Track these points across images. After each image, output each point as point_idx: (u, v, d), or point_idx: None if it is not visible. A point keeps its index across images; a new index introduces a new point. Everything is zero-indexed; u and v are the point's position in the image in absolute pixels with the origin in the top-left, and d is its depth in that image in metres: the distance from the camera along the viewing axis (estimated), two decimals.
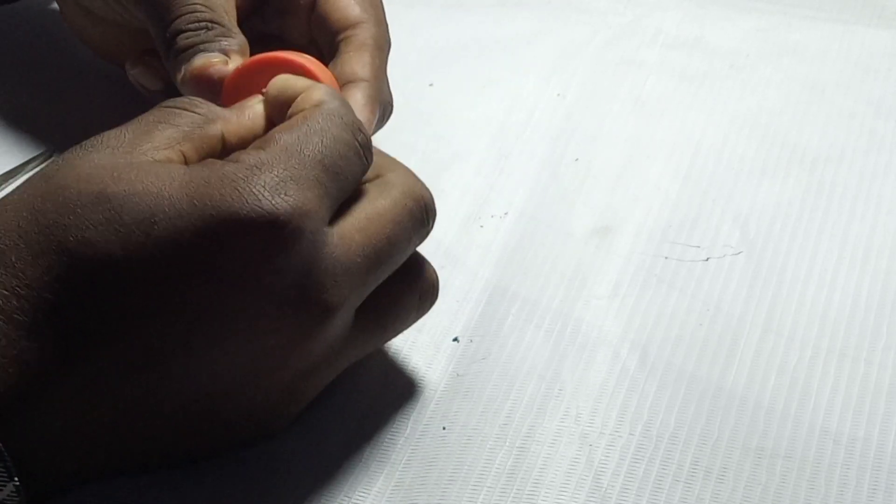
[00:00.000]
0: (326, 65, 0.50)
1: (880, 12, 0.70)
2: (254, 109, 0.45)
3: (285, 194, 0.40)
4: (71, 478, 0.42)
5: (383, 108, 0.54)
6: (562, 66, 0.66)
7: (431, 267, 0.47)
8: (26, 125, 0.61)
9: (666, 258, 0.54)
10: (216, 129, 0.44)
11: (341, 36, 0.52)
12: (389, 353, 0.49)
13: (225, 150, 0.44)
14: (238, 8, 0.53)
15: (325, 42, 0.53)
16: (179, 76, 0.50)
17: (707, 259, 0.54)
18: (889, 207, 0.57)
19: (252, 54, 0.50)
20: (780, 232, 0.55)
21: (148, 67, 0.55)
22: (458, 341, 0.50)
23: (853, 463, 0.45)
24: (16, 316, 0.39)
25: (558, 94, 0.64)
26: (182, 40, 0.50)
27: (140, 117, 0.43)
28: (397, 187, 0.44)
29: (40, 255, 0.39)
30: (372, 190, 0.44)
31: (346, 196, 0.43)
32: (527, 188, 0.58)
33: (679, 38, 0.68)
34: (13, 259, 0.39)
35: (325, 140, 0.42)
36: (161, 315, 0.39)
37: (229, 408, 0.43)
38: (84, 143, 0.42)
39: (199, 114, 0.44)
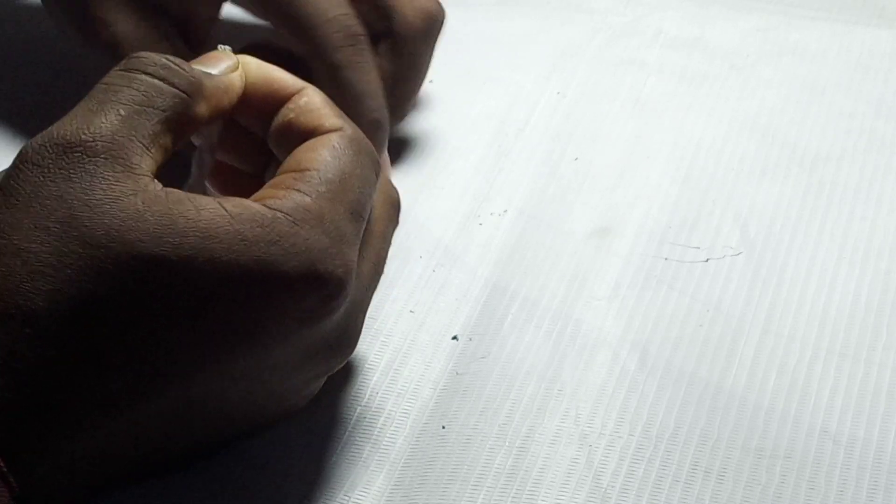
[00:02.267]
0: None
1: (880, 12, 0.70)
2: (231, 80, 0.44)
3: (337, 259, 0.41)
4: (82, 492, 0.42)
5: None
6: (562, 65, 0.66)
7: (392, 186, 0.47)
8: (26, 125, 0.61)
9: (666, 259, 0.54)
10: (201, 111, 0.42)
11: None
12: (389, 352, 0.49)
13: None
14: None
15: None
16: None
17: (707, 259, 0.54)
18: (889, 207, 0.57)
19: None
20: (780, 232, 0.55)
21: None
22: (457, 340, 0.50)
23: (853, 463, 0.45)
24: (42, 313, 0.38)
25: (558, 93, 0.64)
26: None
27: (96, 94, 0.42)
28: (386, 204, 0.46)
29: (78, 256, 0.38)
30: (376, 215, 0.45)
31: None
32: (526, 186, 0.58)
33: (679, 38, 0.68)
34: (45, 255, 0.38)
35: (358, 184, 0.43)
36: (180, 326, 0.39)
37: (239, 408, 0.43)
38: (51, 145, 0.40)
39: (173, 84, 0.42)
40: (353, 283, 0.42)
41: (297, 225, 0.40)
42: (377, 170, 0.44)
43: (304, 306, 0.40)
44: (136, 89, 0.41)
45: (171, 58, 0.42)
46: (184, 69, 0.42)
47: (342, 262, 0.41)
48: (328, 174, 0.42)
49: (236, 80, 0.44)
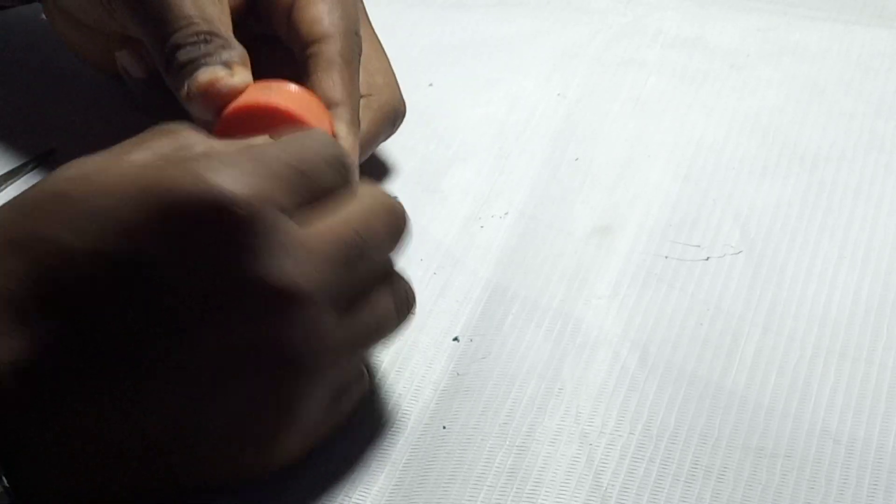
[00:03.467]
0: (302, 79, 0.51)
1: (880, 12, 0.70)
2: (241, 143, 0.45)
3: (241, 181, 0.40)
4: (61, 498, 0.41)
5: (394, 115, 0.55)
6: (562, 66, 0.66)
7: (406, 282, 0.46)
8: (26, 126, 0.61)
9: (666, 257, 0.54)
10: (198, 151, 0.43)
11: (308, 51, 0.52)
12: (390, 353, 0.49)
13: None
14: (233, 10, 0.53)
15: (296, 52, 0.53)
16: (183, 92, 0.50)
17: (707, 258, 0.54)
18: (889, 207, 0.57)
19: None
20: (780, 231, 0.55)
21: (133, 52, 0.55)
22: (458, 341, 0.50)
23: (853, 462, 0.45)
24: None
25: (559, 94, 0.64)
26: (182, 55, 0.50)
27: (126, 140, 0.43)
28: (370, 196, 0.45)
29: (16, 257, 0.39)
30: (346, 198, 0.44)
31: (324, 200, 0.43)
32: (527, 188, 0.58)
33: (679, 38, 0.68)
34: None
35: (295, 147, 0.43)
36: (123, 306, 0.39)
37: (215, 419, 0.41)
38: (69, 162, 0.42)
39: (183, 137, 0.43)
40: (275, 216, 0.40)
41: (206, 157, 0.41)
42: (336, 151, 0.44)
43: (206, 227, 0.39)
44: None
45: None
46: None
47: (250, 185, 0.40)
48: (261, 144, 0.43)
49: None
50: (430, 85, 0.64)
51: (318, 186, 0.42)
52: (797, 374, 0.49)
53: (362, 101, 0.53)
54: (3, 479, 0.38)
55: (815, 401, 0.48)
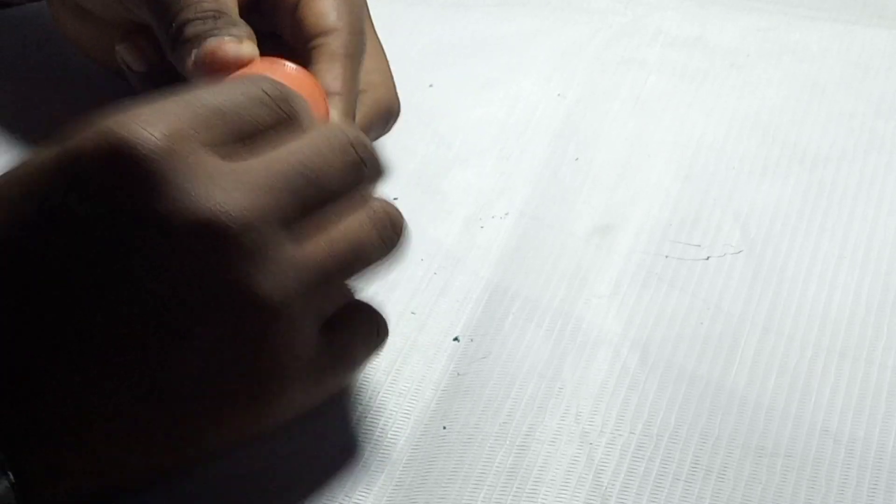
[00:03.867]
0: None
1: (880, 12, 0.70)
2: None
3: (155, 123, 0.40)
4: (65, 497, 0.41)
5: (388, 113, 0.55)
6: (562, 66, 0.66)
7: (390, 205, 0.45)
8: (26, 125, 0.61)
9: (666, 257, 0.54)
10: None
11: (313, 43, 0.52)
12: (390, 353, 0.49)
13: None
14: (238, 5, 0.53)
15: (300, 46, 0.53)
16: (189, 61, 0.49)
17: (707, 258, 0.54)
18: (889, 207, 0.57)
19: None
20: (780, 231, 0.55)
21: (134, 45, 0.55)
22: (458, 341, 0.50)
23: (853, 462, 0.45)
24: None
25: (559, 94, 0.64)
26: (189, 29, 0.49)
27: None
28: (323, 132, 0.44)
29: None
30: (290, 136, 0.44)
31: (249, 138, 0.42)
32: (527, 188, 0.58)
33: (679, 38, 0.68)
34: None
35: (223, 89, 0.42)
36: (85, 297, 0.39)
37: (197, 413, 0.41)
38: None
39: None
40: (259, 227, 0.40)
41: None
42: (353, 146, 0.44)
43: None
44: None
45: None
46: None
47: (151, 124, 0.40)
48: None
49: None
50: (431, 86, 0.64)
51: (245, 123, 0.42)
52: (797, 374, 0.49)
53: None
54: (10, 474, 0.38)
55: (815, 401, 0.48)
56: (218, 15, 0.50)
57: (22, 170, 0.41)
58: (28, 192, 0.40)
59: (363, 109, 0.54)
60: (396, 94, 0.56)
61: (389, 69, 0.56)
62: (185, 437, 0.41)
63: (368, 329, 0.45)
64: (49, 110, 0.62)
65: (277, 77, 0.48)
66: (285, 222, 0.41)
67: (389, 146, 0.59)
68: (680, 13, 0.70)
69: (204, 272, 0.39)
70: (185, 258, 0.39)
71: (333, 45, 0.52)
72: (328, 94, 0.50)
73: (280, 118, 0.43)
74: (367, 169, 0.44)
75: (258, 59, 0.50)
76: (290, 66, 0.49)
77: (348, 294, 0.45)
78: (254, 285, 0.40)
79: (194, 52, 0.49)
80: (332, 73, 0.51)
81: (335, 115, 0.50)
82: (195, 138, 0.40)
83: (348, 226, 0.43)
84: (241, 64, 0.49)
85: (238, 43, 0.49)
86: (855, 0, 0.71)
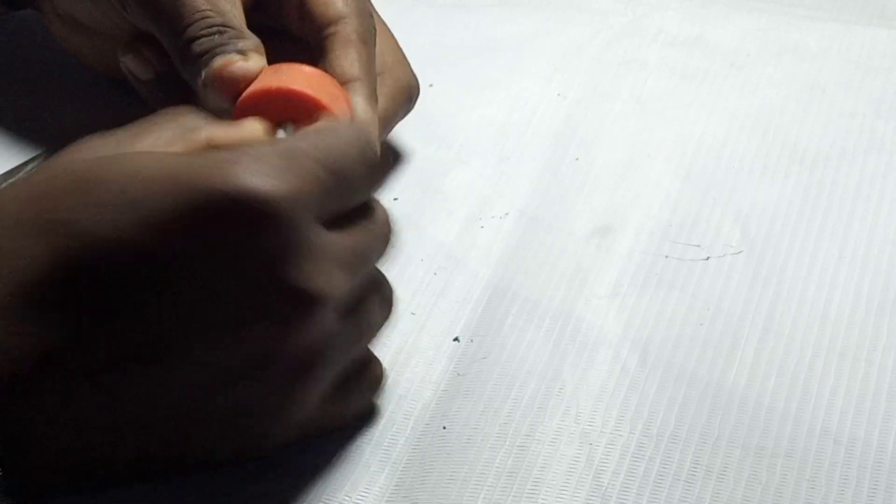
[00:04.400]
0: (317, 63, 0.51)
1: (880, 12, 0.70)
2: (252, 125, 0.45)
3: (272, 177, 0.40)
4: (62, 478, 0.42)
5: (409, 91, 0.56)
6: (562, 66, 0.66)
7: (389, 284, 0.46)
8: (26, 125, 0.61)
9: (666, 257, 0.54)
10: (203, 135, 0.43)
11: (325, 32, 0.52)
12: (390, 354, 0.49)
13: None
14: (243, 4, 0.53)
15: (312, 38, 0.53)
16: (200, 80, 0.50)
17: (707, 258, 0.54)
18: (889, 207, 0.57)
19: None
20: (780, 231, 0.55)
21: (139, 55, 0.55)
22: (458, 341, 0.50)
23: (853, 462, 0.45)
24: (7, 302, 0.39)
25: (559, 95, 0.64)
26: (197, 47, 0.50)
27: (134, 122, 0.44)
28: (380, 208, 0.45)
29: (34, 241, 0.39)
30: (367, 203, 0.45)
31: (348, 206, 0.43)
32: (528, 189, 0.58)
33: (680, 38, 0.68)
34: (6, 245, 0.39)
35: (330, 143, 0.43)
36: (149, 299, 0.39)
37: (221, 406, 0.42)
38: (77, 142, 0.43)
39: (189, 119, 0.44)
40: (303, 216, 0.40)
41: (239, 154, 0.41)
42: (367, 150, 0.44)
43: (233, 223, 0.39)
44: None
45: None
46: None
47: (281, 183, 0.40)
48: (293, 138, 0.44)
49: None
50: (431, 86, 0.64)
51: (350, 190, 0.43)
52: (797, 374, 0.49)
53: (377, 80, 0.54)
54: None
55: (815, 401, 0.48)
56: (223, 30, 0.50)
57: (124, 173, 0.40)
58: (143, 211, 0.39)
59: (384, 91, 0.54)
60: (412, 71, 0.57)
61: (400, 48, 0.57)
62: (234, 430, 0.42)
63: (380, 297, 0.45)
64: (45, 112, 0.62)
65: (296, 79, 0.48)
66: (345, 303, 0.42)
67: (390, 146, 0.59)
68: (680, 13, 0.70)
69: (284, 338, 0.41)
70: (271, 325, 0.41)
71: (345, 32, 0.52)
72: (348, 80, 0.51)
73: (368, 181, 0.44)
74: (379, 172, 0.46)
75: (275, 66, 0.50)
76: (308, 68, 0.50)
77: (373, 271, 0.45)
78: (314, 347, 0.41)
79: (203, 71, 0.50)
80: (348, 59, 0.51)
81: (359, 101, 0.51)
82: (310, 206, 0.41)
83: (369, 306, 0.44)
84: (249, 79, 0.49)
85: (244, 59, 0.50)
86: (855, 0, 0.71)
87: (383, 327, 0.46)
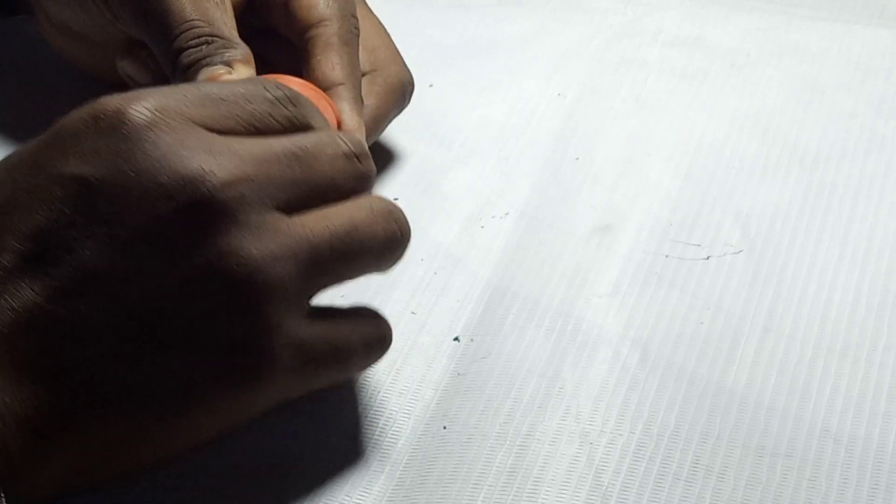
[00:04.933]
0: (300, 67, 0.52)
1: (880, 12, 0.70)
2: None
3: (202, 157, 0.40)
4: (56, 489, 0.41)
5: (402, 88, 0.56)
6: (562, 66, 0.66)
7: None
8: (26, 126, 0.61)
9: (666, 257, 0.54)
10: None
11: (307, 35, 0.53)
12: (390, 353, 0.49)
13: None
14: (234, 7, 0.53)
15: (295, 39, 0.53)
16: None
17: (707, 258, 0.54)
18: (889, 207, 0.57)
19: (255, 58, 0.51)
20: (780, 231, 0.55)
21: (136, 59, 0.55)
22: (458, 341, 0.50)
23: (853, 462, 0.45)
24: None
25: (559, 94, 0.64)
26: (185, 58, 0.50)
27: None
28: (375, 201, 0.44)
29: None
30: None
31: (326, 197, 0.43)
32: (527, 188, 0.58)
33: (679, 38, 0.68)
34: None
35: (301, 139, 0.43)
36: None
37: (190, 396, 0.41)
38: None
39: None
40: (250, 201, 0.40)
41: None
42: (342, 145, 0.44)
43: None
44: None
45: None
46: None
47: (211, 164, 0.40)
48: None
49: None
50: (430, 86, 0.64)
51: (245, 114, 0.43)
52: (797, 374, 0.49)
53: (367, 78, 0.54)
54: None
55: (815, 401, 0.48)
56: (210, 40, 0.50)
57: (21, 149, 0.42)
58: (32, 164, 0.41)
59: (376, 89, 0.54)
60: (406, 67, 0.57)
61: (394, 45, 0.57)
62: (172, 427, 0.41)
63: (371, 332, 0.45)
64: (45, 112, 0.62)
65: None
66: (275, 196, 0.41)
67: (390, 146, 0.59)
68: (680, 13, 0.70)
69: (192, 237, 0.40)
70: (173, 223, 0.40)
71: (327, 35, 0.52)
72: (331, 85, 0.51)
73: (289, 120, 0.44)
74: (368, 181, 0.45)
75: (261, 77, 0.50)
76: (294, 79, 0.50)
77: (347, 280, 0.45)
78: (242, 250, 0.40)
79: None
80: (329, 62, 0.52)
81: (344, 106, 0.51)
82: (185, 113, 0.41)
83: (347, 212, 0.43)
84: None
85: (229, 72, 0.50)
86: (855, 0, 0.71)
87: (361, 364, 0.45)
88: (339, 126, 0.50)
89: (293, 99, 0.44)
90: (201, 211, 0.40)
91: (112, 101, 0.41)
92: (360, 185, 0.44)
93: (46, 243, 0.40)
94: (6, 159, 0.42)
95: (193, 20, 0.51)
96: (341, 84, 0.51)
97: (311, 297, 0.43)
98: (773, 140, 0.61)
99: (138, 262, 0.40)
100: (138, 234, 0.40)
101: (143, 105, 0.40)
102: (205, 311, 0.40)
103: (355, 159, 0.44)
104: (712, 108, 0.63)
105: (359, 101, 0.52)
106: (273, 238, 0.41)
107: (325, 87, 0.51)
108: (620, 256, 0.54)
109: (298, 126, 0.44)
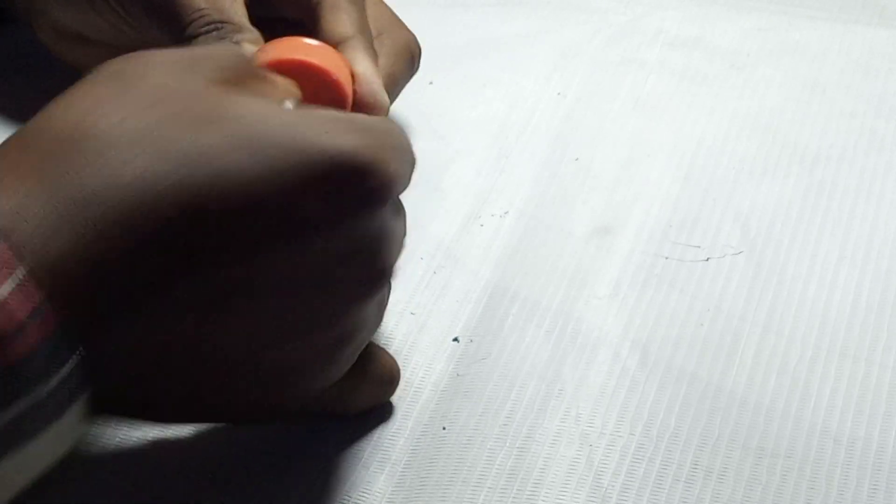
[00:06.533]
0: (311, 34, 0.51)
1: (880, 12, 0.70)
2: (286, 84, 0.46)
3: (389, 156, 0.40)
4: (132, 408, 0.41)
5: (410, 51, 0.56)
6: (562, 66, 0.66)
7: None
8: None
9: (666, 258, 0.54)
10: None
11: (314, 1, 0.53)
12: (390, 353, 0.49)
13: None
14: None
15: (304, 13, 0.53)
16: None
17: (707, 259, 0.54)
18: (889, 207, 0.57)
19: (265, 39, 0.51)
20: (780, 232, 0.55)
21: None
22: (458, 341, 0.50)
23: (853, 463, 0.45)
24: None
25: (559, 94, 0.64)
26: (195, 45, 0.51)
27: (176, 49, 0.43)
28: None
29: (165, 145, 0.38)
30: None
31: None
32: (527, 188, 0.58)
33: (679, 38, 0.68)
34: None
35: (404, 138, 0.43)
36: (247, 250, 0.38)
37: (273, 359, 0.41)
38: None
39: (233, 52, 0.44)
40: (397, 196, 0.41)
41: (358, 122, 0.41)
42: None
43: (349, 191, 0.39)
44: None
45: None
46: None
47: (395, 164, 0.41)
48: (380, 121, 0.44)
49: None
50: (431, 83, 0.64)
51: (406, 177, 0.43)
52: (797, 375, 0.49)
53: (375, 41, 0.54)
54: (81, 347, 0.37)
55: (815, 401, 0.48)
56: (220, 26, 0.51)
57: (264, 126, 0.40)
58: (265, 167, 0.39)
59: (384, 51, 0.55)
60: (411, 32, 0.57)
61: (396, 16, 0.57)
62: (292, 381, 0.42)
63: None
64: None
65: (295, 50, 0.48)
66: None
67: None
68: (680, 13, 0.70)
69: (355, 301, 0.41)
70: (347, 284, 0.41)
71: None
72: (342, 40, 0.51)
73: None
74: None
75: (274, 41, 0.50)
76: (311, 41, 0.49)
77: None
78: (384, 256, 0.42)
79: None
80: (340, 20, 0.52)
81: (357, 56, 0.50)
82: (401, 186, 0.42)
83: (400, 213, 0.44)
84: None
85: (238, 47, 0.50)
86: (855, 0, 0.71)
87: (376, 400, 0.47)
88: (353, 79, 0.50)
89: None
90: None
91: (368, 161, 0.40)
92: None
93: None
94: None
95: (204, 9, 0.51)
96: (353, 37, 0.51)
97: None
98: (773, 140, 0.61)
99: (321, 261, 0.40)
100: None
101: (391, 169, 0.40)
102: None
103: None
104: (712, 109, 0.63)
105: (371, 51, 0.51)
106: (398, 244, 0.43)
107: (337, 43, 0.51)
108: (620, 257, 0.54)
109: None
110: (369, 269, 0.41)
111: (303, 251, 0.39)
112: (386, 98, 0.50)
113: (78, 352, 0.37)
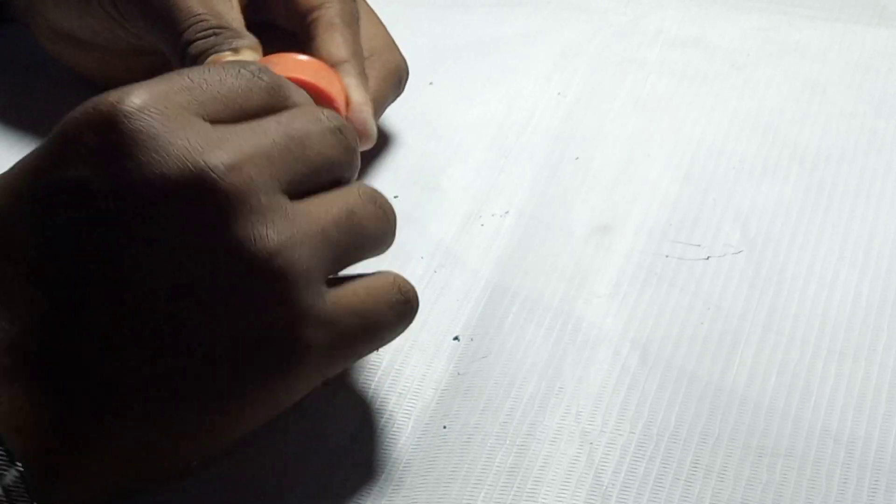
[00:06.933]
0: (303, 49, 0.52)
1: (881, 12, 0.70)
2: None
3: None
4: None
5: (398, 73, 0.56)
6: (562, 66, 0.66)
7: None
8: (27, 126, 0.61)
9: (666, 257, 0.54)
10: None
11: (309, 18, 0.53)
12: (390, 353, 0.49)
13: None
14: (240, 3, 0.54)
15: (298, 25, 0.54)
16: None
17: (707, 258, 0.54)
18: (889, 207, 0.57)
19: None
20: (780, 231, 0.55)
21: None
22: (458, 340, 0.50)
23: (853, 462, 0.45)
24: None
25: (559, 94, 0.64)
26: (193, 49, 0.51)
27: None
28: (361, 186, 0.44)
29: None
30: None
31: (321, 178, 0.43)
32: (527, 187, 0.58)
33: (679, 38, 0.68)
34: None
35: (290, 118, 0.43)
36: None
37: (223, 391, 0.40)
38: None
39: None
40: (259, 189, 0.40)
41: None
42: (331, 121, 0.44)
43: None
44: None
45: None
46: None
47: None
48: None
49: None
50: (430, 84, 0.64)
51: (236, 97, 0.43)
52: (797, 374, 0.49)
53: (365, 63, 0.54)
54: (18, 464, 0.38)
55: (815, 401, 0.48)
56: (218, 31, 0.51)
57: (23, 158, 0.42)
58: (34, 171, 0.41)
59: (373, 74, 0.55)
60: (401, 54, 0.57)
61: (388, 34, 0.57)
62: (212, 424, 0.41)
63: (396, 297, 0.44)
64: (45, 113, 0.62)
65: (290, 67, 0.49)
66: (280, 179, 0.41)
67: (389, 144, 0.59)
68: (680, 13, 0.70)
69: (204, 230, 0.40)
70: (183, 217, 0.39)
71: (328, 15, 0.53)
72: (336, 63, 0.51)
73: (268, 93, 0.43)
74: (354, 153, 0.45)
75: (269, 57, 0.50)
76: (301, 56, 0.50)
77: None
78: (260, 235, 0.40)
79: None
80: (333, 41, 0.52)
81: (351, 82, 0.51)
82: (178, 102, 0.41)
83: (341, 197, 0.43)
84: None
85: (235, 55, 0.50)
86: (855, 0, 0.71)
87: (394, 328, 0.44)
88: (347, 102, 0.51)
89: (281, 84, 0.44)
90: (211, 199, 0.39)
91: (104, 99, 0.40)
92: (347, 157, 0.44)
93: (53, 251, 0.39)
94: (9, 170, 0.42)
95: (201, 13, 0.51)
96: (346, 61, 0.52)
97: (328, 272, 0.42)
98: (773, 140, 0.61)
99: (152, 261, 0.39)
100: (147, 231, 0.39)
101: (133, 98, 0.40)
102: (228, 303, 0.39)
103: (339, 132, 0.44)
104: (712, 109, 0.63)
105: (364, 77, 0.52)
106: (286, 221, 0.40)
107: (330, 65, 0.52)
108: (620, 256, 0.54)
109: (279, 99, 0.44)
110: (254, 263, 0.40)
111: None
112: (374, 129, 0.51)
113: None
